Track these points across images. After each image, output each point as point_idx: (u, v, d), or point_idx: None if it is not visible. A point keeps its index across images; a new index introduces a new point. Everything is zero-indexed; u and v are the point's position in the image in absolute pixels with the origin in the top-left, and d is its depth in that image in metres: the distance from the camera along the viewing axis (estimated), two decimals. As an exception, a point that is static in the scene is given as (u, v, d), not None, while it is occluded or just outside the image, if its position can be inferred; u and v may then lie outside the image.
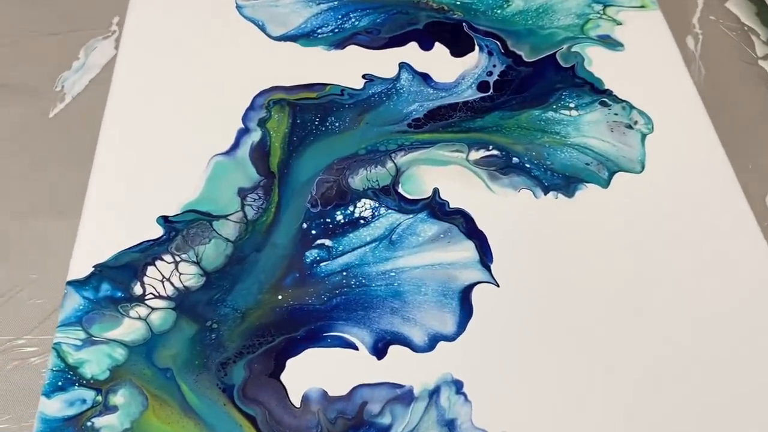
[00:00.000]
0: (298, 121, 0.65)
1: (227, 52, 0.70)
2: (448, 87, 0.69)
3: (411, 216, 0.59)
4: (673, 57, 0.73)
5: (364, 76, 0.69)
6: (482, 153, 0.64)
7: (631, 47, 0.74)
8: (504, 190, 0.62)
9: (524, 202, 0.61)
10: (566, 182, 0.62)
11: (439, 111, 0.67)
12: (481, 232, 0.59)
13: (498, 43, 0.73)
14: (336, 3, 0.76)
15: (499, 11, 0.76)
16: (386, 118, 0.66)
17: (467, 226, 0.59)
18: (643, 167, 0.64)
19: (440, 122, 0.66)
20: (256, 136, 0.64)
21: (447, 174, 0.63)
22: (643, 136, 0.66)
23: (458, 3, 0.77)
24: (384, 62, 0.71)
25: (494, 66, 0.71)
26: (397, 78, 0.69)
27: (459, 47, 0.73)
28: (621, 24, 0.76)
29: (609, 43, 0.74)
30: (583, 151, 0.65)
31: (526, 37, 0.74)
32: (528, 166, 0.63)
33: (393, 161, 0.63)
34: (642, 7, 0.78)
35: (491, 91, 0.69)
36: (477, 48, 0.72)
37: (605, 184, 0.63)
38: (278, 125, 0.65)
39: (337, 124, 0.65)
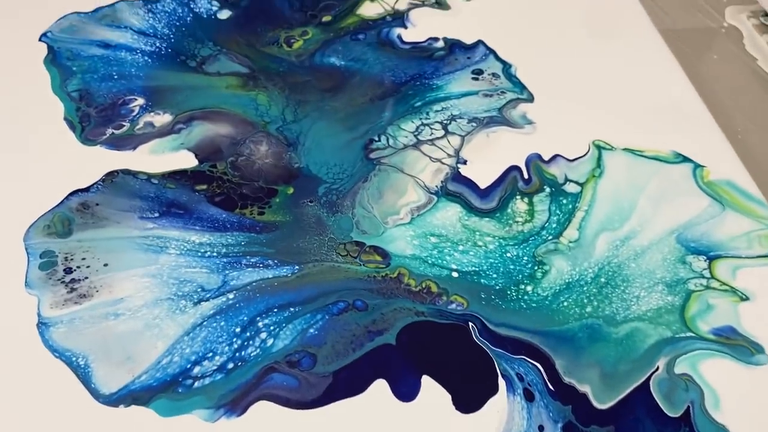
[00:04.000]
0: None
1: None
2: (457, 500, 0.34)
3: None
4: None
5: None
6: None
7: (778, 351, 0.40)
8: None
9: None
10: None
11: None
12: None
13: (539, 366, 0.39)
14: (233, 297, 0.41)
15: (529, 287, 0.42)
16: None
17: None
18: None
19: None
20: None
21: None
22: None
23: (454, 273, 0.42)
24: (325, 440, 0.35)
25: (541, 428, 0.36)
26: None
27: (467, 383, 0.38)
28: (747, 299, 0.42)
29: (738, 347, 0.40)
30: None
31: (587, 347, 0.40)
32: None
33: None
34: (771, 257, 0.45)
35: (545, 501, 0.34)
36: (502, 383, 0.38)
37: None
38: None
39: None
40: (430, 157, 0.49)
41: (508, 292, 0.42)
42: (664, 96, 0.55)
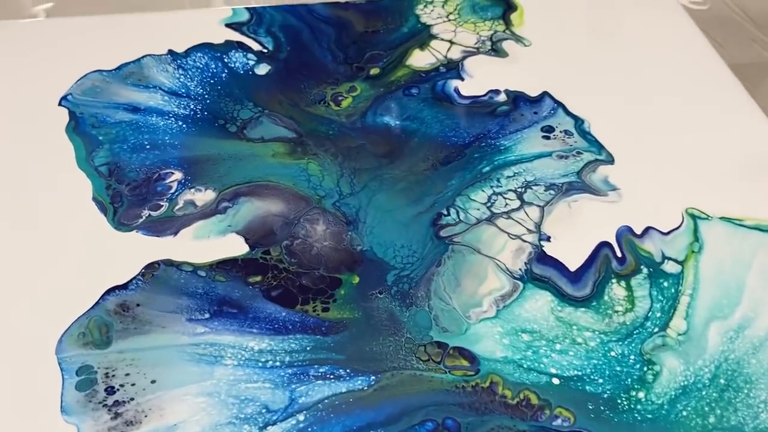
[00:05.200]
0: None
1: None
2: None
3: None
4: None
5: None
6: None
7: None
8: None
9: None
10: None
11: None
12: None
13: (667, 495, 0.33)
14: (303, 419, 0.35)
15: (641, 394, 0.37)
16: None
17: None
18: None
19: None
20: None
21: None
22: None
23: (554, 379, 0.37)
24: None
25: None
26: None
27: None
28: None
29: None
30: None
31: (719, 468, 0.34)
32: None
33: None
34: None
35: None
36: None
37: None
38: None
39: None
40: (508, 234, 0.43)
41: (619, 401, 0.36)
42: (749, 146, 0.50)
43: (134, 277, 0.40)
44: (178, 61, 0.53)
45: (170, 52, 0.53)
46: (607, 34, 0.59)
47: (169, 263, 0.41)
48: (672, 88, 0.54)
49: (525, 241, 0.43)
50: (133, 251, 0.41)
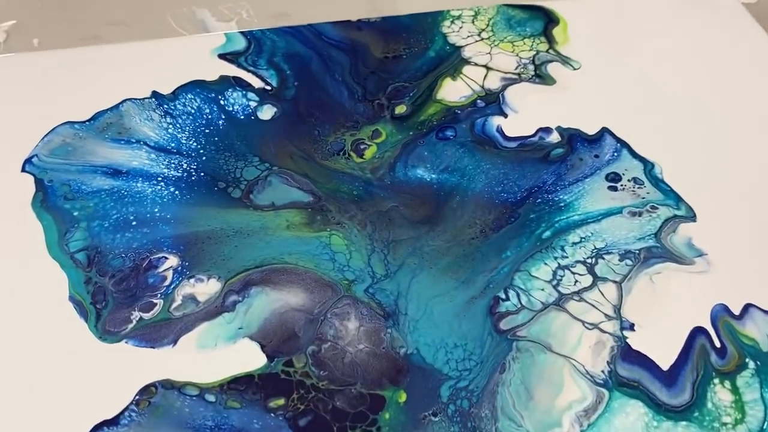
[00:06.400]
0: None
1: None
2: None
3: None
4: None
5: None
6: None
7: None
8: None
9: None
10: None
11: None
12: None
13: None
14: None
15: None
16: None
17: None
18: None
19: None
20: None
21: None
22: None
23: None
24: None
25: None
26: None
27: None
28: None
29: None
30: None
31: None
32: None
33: None
34: None
35: None
36: None
37: None
38: None
39: None
40: (583, 323, 0.35)
41: None
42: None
43: (126, 407, 0.32)
44: (165, 106, 0.44)
45: (155, 94, 0.45)
46: (667, 50, 0.51)
47: (168, 385, 0.33)
48: (750, 114, 0.46)
49: (604, 331, 0.35)
50: (123, 369, 0.33)
